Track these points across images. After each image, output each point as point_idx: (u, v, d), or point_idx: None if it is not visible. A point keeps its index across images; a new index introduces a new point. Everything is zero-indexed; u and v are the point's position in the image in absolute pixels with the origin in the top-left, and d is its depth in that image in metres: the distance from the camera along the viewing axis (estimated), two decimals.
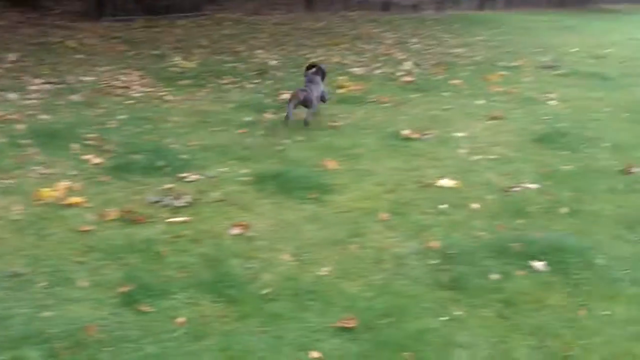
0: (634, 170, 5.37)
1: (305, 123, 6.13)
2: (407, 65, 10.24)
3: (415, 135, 6.09)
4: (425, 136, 6.11)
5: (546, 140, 6.19)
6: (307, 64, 6.79)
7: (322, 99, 6.54)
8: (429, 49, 12.61)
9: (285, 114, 6.13)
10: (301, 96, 6.14)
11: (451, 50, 12.85)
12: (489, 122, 6.87)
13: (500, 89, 8.81)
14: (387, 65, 10.25)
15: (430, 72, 9.93)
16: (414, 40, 13.87)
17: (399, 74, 9.44)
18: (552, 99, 8.25)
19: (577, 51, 14.51)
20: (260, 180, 4.78)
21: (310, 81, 6.39)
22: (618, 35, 20.35)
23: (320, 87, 6.44)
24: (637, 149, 6.07)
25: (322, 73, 6.61)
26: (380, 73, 9.49)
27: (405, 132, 6.15)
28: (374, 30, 15.02)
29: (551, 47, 14.92)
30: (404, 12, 21.12)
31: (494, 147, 5.91)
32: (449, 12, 23.51)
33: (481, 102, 7.90)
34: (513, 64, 11.45)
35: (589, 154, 5.84)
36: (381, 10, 20.56)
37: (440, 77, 9.60)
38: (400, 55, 11.36)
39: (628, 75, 11.04)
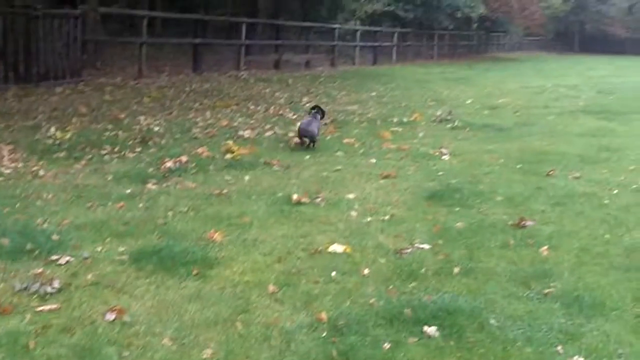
0: (526, 223, 5.56)
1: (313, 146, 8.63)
2: (299, 125, 10.36)
3: (306, 199, 6.13)
4: (316, 200, 6.16)
5: (439, 197, 6.35)
6: (311, 107, 9.46)
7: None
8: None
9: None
10: (303, 131, 8.62)
11: (344, 108, 13.16)
12: (382, 181, 7.01)
13: (394, 146, 9.04)
14: (278, 126, 10.35)
15: (322, 132, 10.09)
16: (306, 99, 14.11)
17: (290, 135, 9.54)
18: (445, 154, 8.52)
19: (472, 102, 15.15)
20: (139, 258, 4.67)
21: (314, 118, 8.89)
22: (512, 84, 21.44)
23: (318, 124, 8.89)
24: (530, 201, 6.32)
25: (322, 112, 9.15)
26: (271, 135, 9.57)
27: (296, 196, 6.18)
28: (265, 90, 15.20)
29: (445, 100, 15.53)
30: (297, 69, 21.55)
31: (386, 207, 6.02)
32: (342, 68, 24.18)
33: (374, 160, 8.07)
34: (407, 119, 11.82)
35: (482, 209, 6.02)
36: (273, 68, 20.90)
37: (332, 136, 9.77)
38: (291, 116, 11.51)
39: (522, 124, 11.60)
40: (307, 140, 8.68)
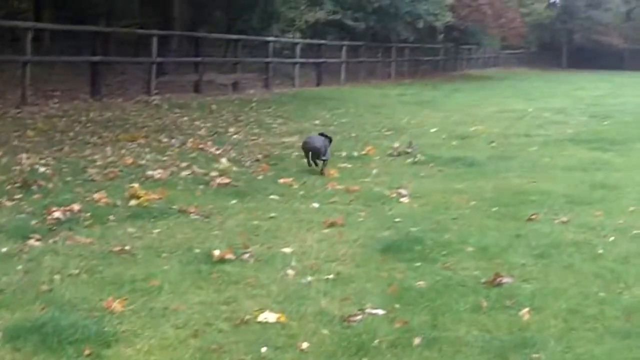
0: (503, 280, 5.60)
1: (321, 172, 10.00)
2: (223, 162, 10.36)
3: (231, 256, 6.08)
4: (244, 256, 6.12)
5: (396, 249, 6.37)
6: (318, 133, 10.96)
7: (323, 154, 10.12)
8: (253, 140, 12.90)
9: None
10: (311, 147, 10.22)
11: (281, 140, 13.21)
12: (326, 230, 7.01)
13: (341, 187, 9.09)
14: (198, 163, 10.33)
15: (253, 170, 10.11)
16: (233, 129, 14.13)
17: (212, 174, 9.52)
18: (404, 195, 8.59)
19: (437, 131, 15.37)
20: (16, 336, 4.55)
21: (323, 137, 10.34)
22: (487, 108, 21.86)
23: (327, 144, 10.20)
24: (507, 252, 6.39)
25: (329, 139, 10.36)
26: (188, 175, 9.53)
27: (218, 252, 6.13)
28: (182, 119, 15.19)
29: (405, 129, 15.73)
30: (222, 92, 21.57)
31: (331, 263, 6.01)
32: (278, 90, 24.34)
33: (317, 204, 8.09)
34: (358, 152, 11.93)
35: (449, 263, 6.06)
36: (192, 91, 20.87)
37: (266, 175, 9.78)
38: (214, 150, 11.50)
39: (498, 158, 11.79)
40: (313, 162, 10.23)
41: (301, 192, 8.78)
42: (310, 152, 10.18)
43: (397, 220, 7.44)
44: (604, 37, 64.21)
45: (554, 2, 68.49)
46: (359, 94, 25.17)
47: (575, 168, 10.81)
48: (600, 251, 6.47)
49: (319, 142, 10.18)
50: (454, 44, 45.73)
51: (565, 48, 67.68)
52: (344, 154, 11.75)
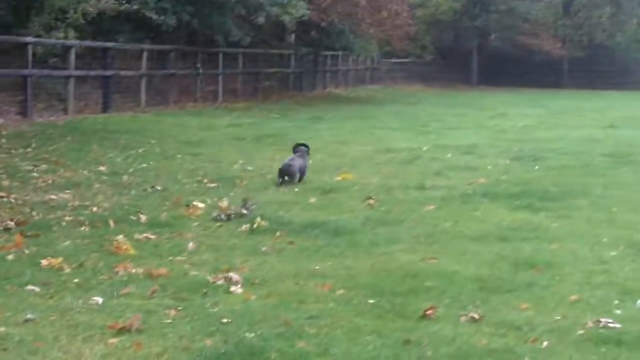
0: None
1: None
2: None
3: None
4: None
5: None
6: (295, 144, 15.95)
7: (302, 172, 15.39)
8: None
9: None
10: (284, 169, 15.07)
11: (46, 197, 13.04)
12: (114, 340, 6.92)
13: (140, 270, 8.99)
14: None
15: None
16: None
17: None
18: (236, 283, 8.55)
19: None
20: None
21: (300, 156, 15.54)
22: (362, 146, 22.10)
23: (305, 162, 15.50)
24: None
25: (307, 148, 15.86)
26: None
27: None
28: None
29: (237, 178, 15.72)
30: None
31: None
32: (43, 119, 23.99)
33: (100, 299, 7.97)
34: (166, 214, 11.85)
35: None
36: None
37: (19, 252, 9.62)
38: None
39: (378, 222, 11.93)
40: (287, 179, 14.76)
41: (76, 280, 8.62)
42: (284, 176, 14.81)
43: (224, 321, 7.39)
44: (533, 39, 65.38)
45: None
46: (167, 125, 25.12)
47: (492, 237, 10.96)
48: None
49: (297, 164, 15.29)
50: (312, 50, 45.32)
51: (476, 56, 68.33)
52: (144, 217, 11.64)
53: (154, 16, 30.53)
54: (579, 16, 69.26)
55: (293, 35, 44.10)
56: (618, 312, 7.83)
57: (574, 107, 40.50)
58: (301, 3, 35.74)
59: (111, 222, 11.30)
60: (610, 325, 7.41)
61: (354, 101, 42.45)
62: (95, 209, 12.16)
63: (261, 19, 34.76)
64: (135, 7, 29.73)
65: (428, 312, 7.68)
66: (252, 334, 7.06)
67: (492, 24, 66.93)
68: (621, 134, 26.11)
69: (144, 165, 16.99)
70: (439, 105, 40.79)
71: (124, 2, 29.13)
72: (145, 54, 30.81)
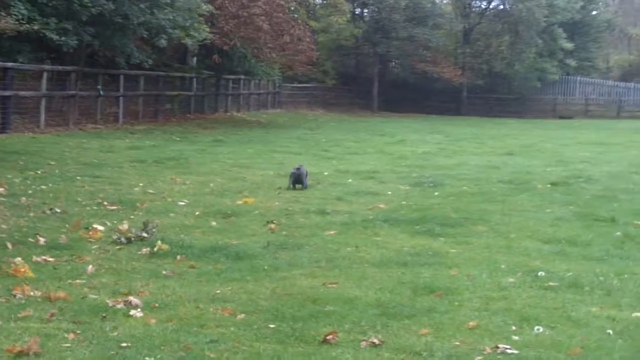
0: None
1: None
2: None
3: None
4: None
5: None
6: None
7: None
8: None
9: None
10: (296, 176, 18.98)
11: None
12: None
13: (37, 293, 8.89)
14: None
15: None
16: None
17: None
18: (137, 306, 8.50)
19: (187, 205, 15.39)
20: None
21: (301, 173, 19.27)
22: (262, 170, 22.06)
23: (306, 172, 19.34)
24: None
25: (305, 171, 19.24)
26: None
27: None
28: None
29: (139, 201, 15.62)
30: None
31: None
32: None
33: None
34: (65, 237, 11.72)
35: None
36: None
37: None
38: None
39: (279, 247, 12.05)
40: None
41: None
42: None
43: (124, 345, 7.35)
44: (433, 66, 66.03)
45: (361, 15, 70.12)
46: (67, 147, 24.91)
47: (392, 262, 11.00)
48: None
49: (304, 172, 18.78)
50: (215, 73, 45.39)
51: (377, 82, 68.52)
52: (42, 240, 11.52)
53: (55, 37, 30.10)
54: (479, 44, 70.17)
55: (195, 59, 43.95)
56: (516, 338, 7.91)
57: (473, 135, 40.85)
58: (204, 27, 35.86)
59: (9, 244, 11.18)
60: (508, 351, 7.50)
61: (255, 125, 42.44)
62: None
63: (163, 42, 34.50)
64: (36, 27, 29.28)
65: (329, 337, 7.69)
66: (152, 359, 7.02)
67: (393, 50, 67.23)
68: (519, 161, 26.40)
69: (43, 187, 16.82)
70: (340, 130, 40.95)
71: (24, 22, 28.69)
72: (45, 75, 30.48)
